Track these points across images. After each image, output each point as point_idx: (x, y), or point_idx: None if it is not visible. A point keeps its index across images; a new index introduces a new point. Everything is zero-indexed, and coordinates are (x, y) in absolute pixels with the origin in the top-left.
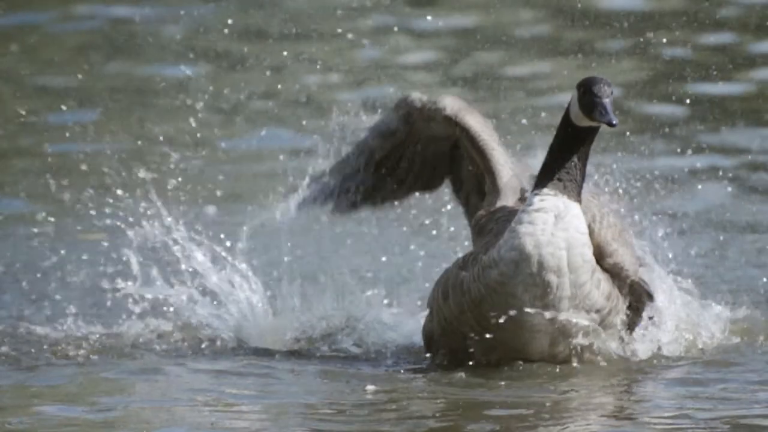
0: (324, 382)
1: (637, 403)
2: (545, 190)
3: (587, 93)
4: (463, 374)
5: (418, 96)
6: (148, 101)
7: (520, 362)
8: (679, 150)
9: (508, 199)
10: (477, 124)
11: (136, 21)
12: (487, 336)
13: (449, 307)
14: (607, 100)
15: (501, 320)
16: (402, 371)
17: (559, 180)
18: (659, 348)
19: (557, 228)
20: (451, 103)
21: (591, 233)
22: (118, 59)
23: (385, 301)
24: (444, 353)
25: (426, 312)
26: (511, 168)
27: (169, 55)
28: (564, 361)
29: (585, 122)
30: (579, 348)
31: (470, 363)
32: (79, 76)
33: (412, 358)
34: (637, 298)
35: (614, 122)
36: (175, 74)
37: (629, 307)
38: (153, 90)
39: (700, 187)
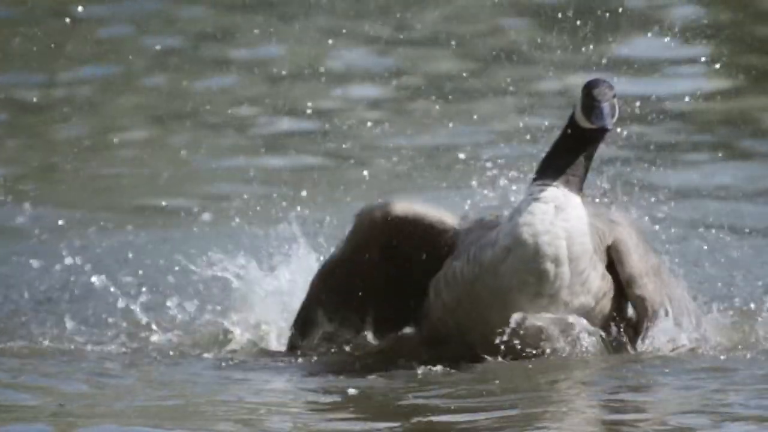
0: (308, 384)
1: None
2: (546, 181)
3: (588, 96)
4: (450, 371)
5: (369, 209)
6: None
7: (507, 361)
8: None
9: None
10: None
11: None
12: (480, 324)
13: (442, 300)
14: (605, 104)
15: (490, 301)
16: (388, 373)
17: (561, 173)
18: (657, 347)
19: (558, 218)
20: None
21: (624, 261)
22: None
23: None
24: (435, 349)
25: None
26: (458, 215)
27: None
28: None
29: (586, 124)
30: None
31: (458, 358)
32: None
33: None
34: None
35: (607, 127)
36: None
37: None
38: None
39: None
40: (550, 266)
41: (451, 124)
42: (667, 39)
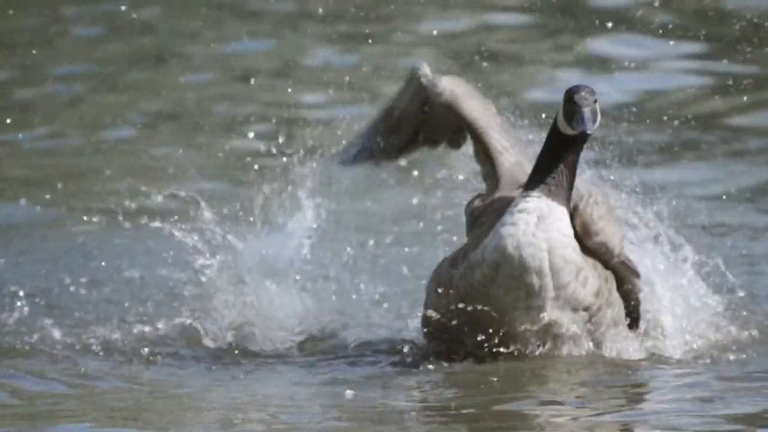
0: (305, 386)
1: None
2: (531, 193)
3: (569, 101)
4: (448, 375)
5: (425, 73)
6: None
7: (508, 363)
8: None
9: (505, 189)
10: (472, 110)
11: None
12: (478, 330)
13: (440, 303)
14: (586, 110)
15: (486, 319)
16: (384, 374)
17: (545, 184)
18: (658, 347)
19: (539, 229)
20: (447, 88)
21: (575, 210)
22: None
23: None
24: (437, 345)
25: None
26: (514, 155)
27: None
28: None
29: (568, 130)
30: (566, 343)
31: (461, 356)
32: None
33: (397, 360)
34: (624, 279)
35: (588, 132)
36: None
37: (623, 296)
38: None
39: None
40: (535, 280)
41: None
42: (638, 37)
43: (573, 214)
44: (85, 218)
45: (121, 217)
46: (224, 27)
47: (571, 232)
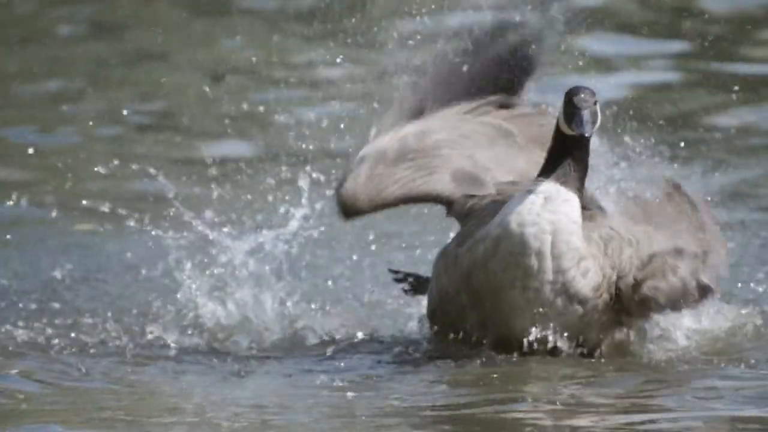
0: (305, 387)
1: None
2: (542, 179)
3: (568, 103)
4: (449, 370)
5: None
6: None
7: (509, 358)
8: None
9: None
10: (388, 193)
11: None
12: (478, 309)
13: (444, 281)
14: (585, 112)
15: (485, 296)
16: (385, 373)
17: (557, 173)
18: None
19: (544, 209)
20: (350, 199)
21: (642, 280)
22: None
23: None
24: (443, 329)
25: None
26: (458, 192)
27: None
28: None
29: (569, 131)
30: (559, 336)
31: (469, 344)
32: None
33: (398, 359)
34: (644, 306)
35: (585, 134)
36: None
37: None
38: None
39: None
40: (533, 260)
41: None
42: (612, 36)
43: (638, 281)
44: (57, 215)
45: (104, 217)
46: (203, 25)
47: (579, 219)
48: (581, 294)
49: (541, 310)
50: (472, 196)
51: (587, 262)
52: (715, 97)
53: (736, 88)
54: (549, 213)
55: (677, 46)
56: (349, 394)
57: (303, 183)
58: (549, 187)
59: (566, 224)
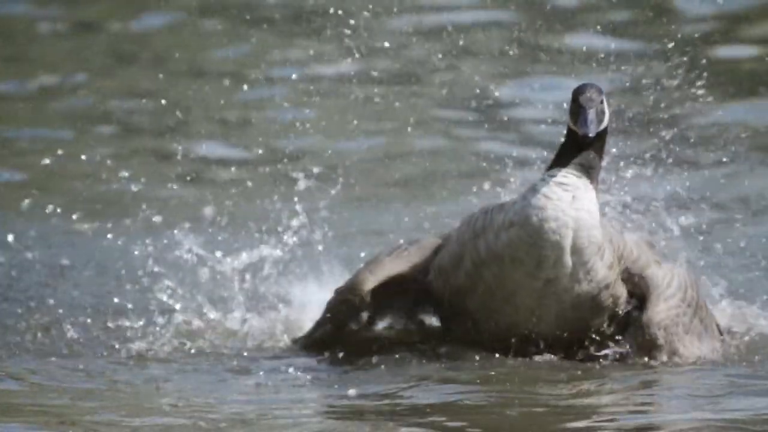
0: (307, 385)
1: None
2: (568, 169)
3: (574, 102)
4: (451, 370)
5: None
6: None
7: (514, 359)
8: None
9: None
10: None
11: None
12: (478, 286)
13: (444, 282)
14: (590, 111)
15: (490, 261)
16: (387, 373)
17: (580, 164)
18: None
19: (571, 207)
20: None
21: (650, 298)
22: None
23: None
24: (454, 325)
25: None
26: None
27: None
28: (547, 330)
29: (576, 128)
30: (566, 321)
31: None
32: None
33: (398, 359)
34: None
35: (589, 134)
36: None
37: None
38: None
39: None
40: (549, 253)
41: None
42: (594, 37)
43: (647, 297)
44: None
45: (79, 217)
46: (184, 27)
47: (598, 213)
48: (599, 275)
49: (554, 294)
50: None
51: (603, 246)
52: (690, 95)
53: (715, 86)
54: (575, 210)
55: (654, 45)
56: (351, 391)
57: (301, 184)
58: (578, 182)
59: (587, 220)
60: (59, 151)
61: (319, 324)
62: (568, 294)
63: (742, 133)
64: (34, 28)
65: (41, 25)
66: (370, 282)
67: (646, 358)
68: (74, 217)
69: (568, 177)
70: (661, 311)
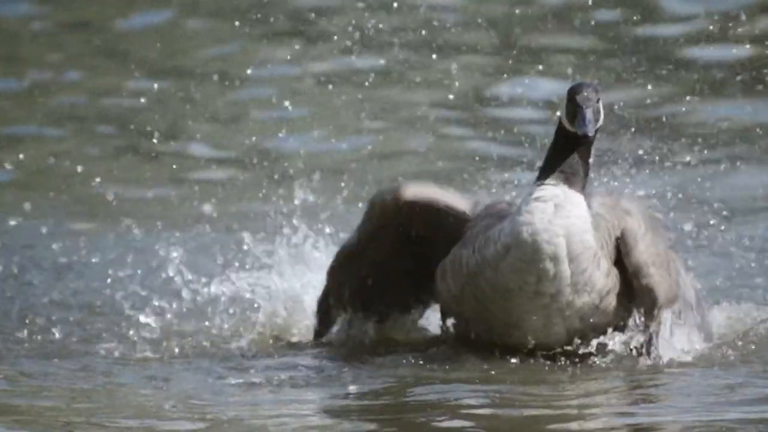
0: (306, 385)
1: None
2: (546, 181)
3: (571, 101)
4: (450, 369)
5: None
6: None
7: (516, 358)
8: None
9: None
10: (418, 193)
11: None
12: (484, 314)
13: (447, 285)
14: (588, 111)
15: (492, 296)
16: (387, 370)
17: (561, 172)
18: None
19: (556, 216)
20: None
21: (630, 251)
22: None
23: None
24: (455, 327)
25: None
26: (470, 198)
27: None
28: (558, 343)
29: (571, 128)
30: (576, 331)
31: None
32: None
33: (398, 358)
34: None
35: (588, 134)
36: None
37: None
38: None
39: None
40: (549, 265)
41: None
42: (582, 37)
43: (627, 251)
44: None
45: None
46: (172, 26)
47: (588, 217)
48: (599, 285)
49: (558, 310)
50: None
51: (598, 253)
52: (675, 94)
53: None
54: (561, 219)
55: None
56: (351, 390)
57: (291, 184)
58: (556, 191)
59: (578, 226)
60: (47, 150)
61: (355, 232)
62: (571, 308)
63: (728, 132)
64: (27, 27)
65: (33, 24)
66: (410, 192)
67: (655, 315)
68: (65, 215)
69: (546, 189)
70: (643, 250)
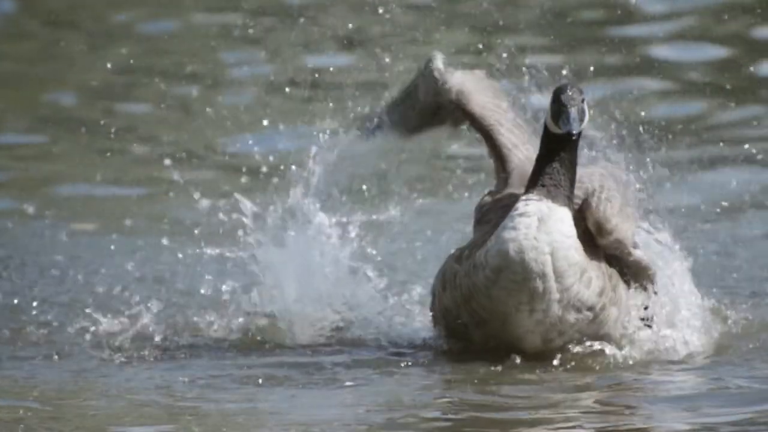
0: (305, 384)
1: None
2: (530, 195)
3: (556, 101)
4: (450, 368)
5: (437, 67)
6: None
7: (517, 357)
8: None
9: (515, 186)
10: (481, 108)
11: None
12: (482, 327)
13: (447, 298)
14: (572, 109)
15: (489, 318)
16: (386, 366)
17: (544, 185)
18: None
19: (540, 232)
20: (455, 85)
21: (588, 209)
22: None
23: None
24: (447, 334)
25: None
26: (524, 152)
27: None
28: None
29: (557, 129)
30: (574, 341)
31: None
32: None
33: (400, 353)
34: (639, 275)
35: (573, 131)
36: None
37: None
38: None
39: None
40: (538, 283)
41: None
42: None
43: (585, 212)
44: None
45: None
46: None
47: (573, 232)
48: (589, 303)
49: (551, 326)
50: (492, 193)
51: (589, 272)
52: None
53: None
54: (545, 235)
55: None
56: (349, 388)
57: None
58: (540, 206)
59: (562, 241)
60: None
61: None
62: (564, 324)
63: (708, 131)
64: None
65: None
66: (458, 79)
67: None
68: (49, 215)
69: (529, 204)
70: (590, 172)
